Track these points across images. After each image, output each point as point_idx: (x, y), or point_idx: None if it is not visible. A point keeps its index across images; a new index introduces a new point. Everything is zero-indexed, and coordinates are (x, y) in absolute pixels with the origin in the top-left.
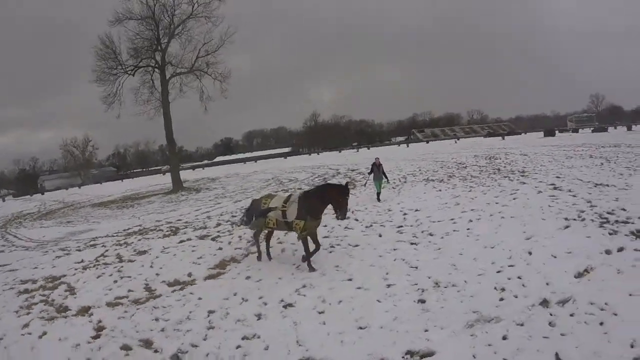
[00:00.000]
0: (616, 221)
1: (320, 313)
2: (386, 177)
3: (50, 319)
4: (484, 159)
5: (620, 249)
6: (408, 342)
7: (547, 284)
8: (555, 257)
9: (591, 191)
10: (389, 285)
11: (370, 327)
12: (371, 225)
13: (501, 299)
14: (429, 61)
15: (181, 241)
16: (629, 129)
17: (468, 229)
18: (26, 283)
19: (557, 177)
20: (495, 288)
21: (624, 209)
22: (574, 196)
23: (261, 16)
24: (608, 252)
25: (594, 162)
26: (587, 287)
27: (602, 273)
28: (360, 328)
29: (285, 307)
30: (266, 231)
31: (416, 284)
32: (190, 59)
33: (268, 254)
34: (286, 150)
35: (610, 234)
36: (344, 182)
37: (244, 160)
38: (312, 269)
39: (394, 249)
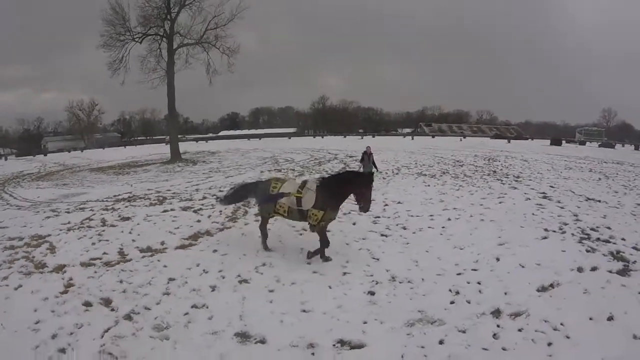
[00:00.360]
0: (598, 239)
1: (270, 292)
2: (375, 167)
3: (27, 274)
4: (483, 159)
5: (594, 269)
6: (344, 331)
7: (505, 293)
8: (522, 266)
9: (580, 205)
10: (344, 274)
11: (313, 312)
12: (349, 213)
13: (452, 302)
14: (442, 58)
15: (164, 210)
16: (637, 148)
17: (443, 227)
18: (13, 240)
19: (551, 186)
20: (450, 290)
21: (609, 227)
22: (562, 208)
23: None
24: (580, 269)
25: (592, 177)
26: (546, 303)
27: (567, 291)
28: (304, 311)
29: (240, 282)
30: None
31: (372, 276)
32: (199, 31)
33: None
34: (291, 130)
35: (587, 251)
36: (338, 168)
37: (247, 137)
38: (327, 259)
39: (363, 239)
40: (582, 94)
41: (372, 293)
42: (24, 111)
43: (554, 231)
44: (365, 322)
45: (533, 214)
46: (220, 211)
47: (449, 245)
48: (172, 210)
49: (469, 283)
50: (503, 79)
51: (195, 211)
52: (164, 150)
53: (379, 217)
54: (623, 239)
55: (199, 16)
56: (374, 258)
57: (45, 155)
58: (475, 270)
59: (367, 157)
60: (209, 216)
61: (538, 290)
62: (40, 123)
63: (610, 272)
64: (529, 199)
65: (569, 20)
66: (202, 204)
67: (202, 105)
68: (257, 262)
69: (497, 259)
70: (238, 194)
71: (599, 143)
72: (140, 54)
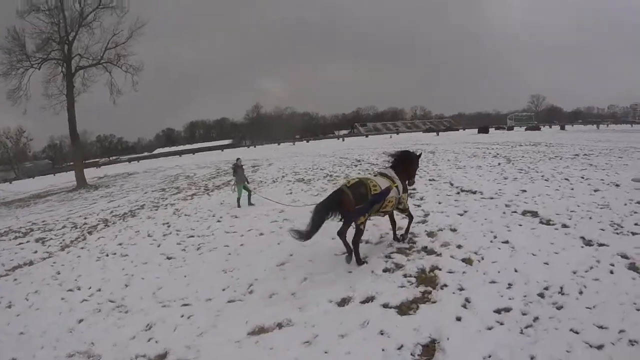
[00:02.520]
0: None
1: None
2: (247, 181)
3: None
4: (388, 155)
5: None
6: None
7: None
8: None
9: (443, 200)
10: None
11: None
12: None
13: None
14: (376, 58)
15: (20, 243)
16: (562, 128)
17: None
18: None
19: (431, 179)
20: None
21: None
22: (419, 205)
23: (205, 8)
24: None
25: (492, 162)
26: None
27: None
28: None
29: None
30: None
31: None
32: (99, 51)
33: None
34: (227, 142)
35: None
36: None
37: (179, 153)
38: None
39: None
40: (513, 83)
41: None
42: None
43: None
44: None
45: None
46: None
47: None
48: (27, 242)
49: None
50: (436, 75)
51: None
52: (93, 174)
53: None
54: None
55: (96, 37)
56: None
57: None
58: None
59: (240, 169)
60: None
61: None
62: None
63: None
64: None
65: (500, 16)
66: (55, 235)
67: (137, 124)
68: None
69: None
70: (321, 218)
71: (525, 127)
72: (40, 80)
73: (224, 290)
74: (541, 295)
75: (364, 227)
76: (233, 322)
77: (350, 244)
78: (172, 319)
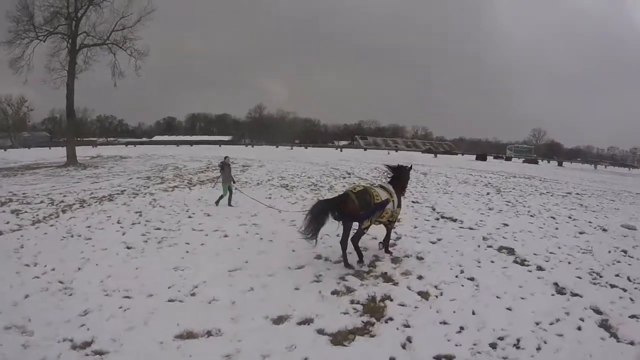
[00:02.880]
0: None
1: None
2: (233, 180)
3: None
4: (379, 172)
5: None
6: None
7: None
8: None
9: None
10: None
11: None
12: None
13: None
14: (381, 74)
15: None
16: (560, 164)
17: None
18: None
19: (414, 201)
20: None
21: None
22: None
23: (218, 3)
24: None
25: (481, 191)
26: None
27: None
28: None
29: None
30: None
31: None
32: (106, 32)
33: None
34: (226, 138)
35: None
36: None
37: (177, 143)
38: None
39: None
40: (516, 115)
41: None
42: None
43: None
44: None
45: None
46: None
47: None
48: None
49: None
50: (441, 97)
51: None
52: (84, 153)
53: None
54: None
55: (103, 17)
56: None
57: None
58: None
59: (227, 167)
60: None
61: None
62: None
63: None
64: None
65: (506, 43)
66: (31, 209)
67: (139, 108)
68: None
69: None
70: (320, 218)
71: (523, 159)
72: (44, 52)
73: (169, 288)
74: (493, 345)
75: (367, 231)
76: (165, 322)
77: (350, 243)
78: (109, 308)
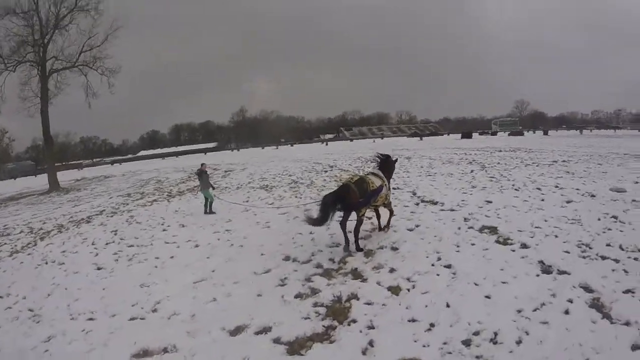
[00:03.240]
0: None
1: None
2: (212, 186)
3: None
4: (365, 161)
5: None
6: None
7: None
8: None
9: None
10: None
11: None
12: None
13: None
14: (362, 63)
15: None
16: (545, 133)
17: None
18: None
19: (395, 187)
20: None
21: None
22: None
23: (193, 9)
24: None
25: (465, 169)
26: None
27: None
28: None
29: None
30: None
31: None
32: (75, 54)
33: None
34: (212, 145)
35: None
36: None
37: (163, 156)
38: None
39: None
40: (499, 89)
41: None
42: None
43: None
44: None
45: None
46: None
47: None
48: None
49: None
50: (422, 80)
51: None
52: (69, 177)
53: None
54: None
55: (70, 39)
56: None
57: None
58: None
59: (204, 174)
60: None
61: None
62: None
63: None
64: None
65: (485, 18)
66: (7, 240)
67: (122, 125)
68: None
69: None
70: (329, 208)
71: (509, 132)
72: (16, 82)
73: (132, 306)
74: (466, 343)
75: (364, 217)
76: (124, 341)
77: (352, 233)
78: (73, 332)
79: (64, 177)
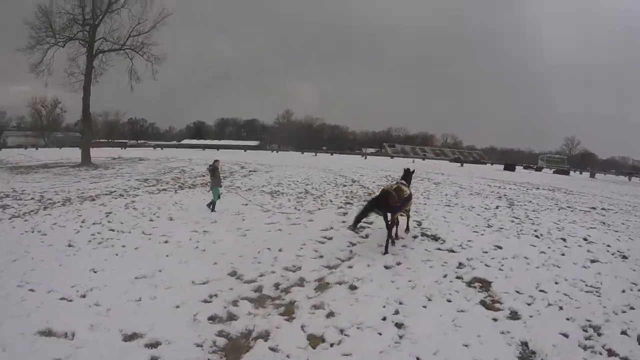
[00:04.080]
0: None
1: None
2: (220, 184)
3: None
4: (387, 179)
5: None
6: None
7: None
8: None
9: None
10: None
11: None
12: None
13: None
14: (412, 83)
15: None
16: (592, 176)
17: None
18: None
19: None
20: None
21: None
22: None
23: (249, 8)
24: None
25: (490, 204)
26: None
27: None
28: None
29: None
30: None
31: None
32: (123, 37)
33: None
34: (254, 143)
35: None
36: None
37: (203, 147)
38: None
39: None
40: (550, 124)
41: None
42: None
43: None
44: None
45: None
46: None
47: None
48: None
49: None
50: (472, 106)
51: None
52: (108, 154)
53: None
54: None
55: (121, 22)
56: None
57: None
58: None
59: (216, 171)
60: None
61: None
62: (3, 117)
63: None
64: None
65: (541, 50)
66: (20, 205)
67: (170, 112)
68: None
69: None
70: (370, 209)
71: (554, 170)
72: (63, 57)
73: (71, 287)
74: None
75: (398, 220)
76: (41, 317)
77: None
78: (12, 297)
79: (103, 153)
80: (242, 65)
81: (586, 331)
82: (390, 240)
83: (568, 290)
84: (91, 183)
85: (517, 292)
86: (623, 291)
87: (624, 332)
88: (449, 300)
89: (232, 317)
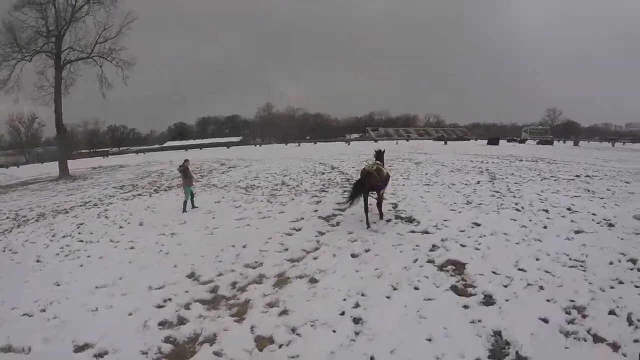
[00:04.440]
0: None
1: None
2: (194, 181)
3: None
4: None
5: None
6: None
7: None
8: None
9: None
10: None
11: None
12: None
13: None
14: (391, 65)
15: None
16: (576, 144)
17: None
18: None
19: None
20: None
21: None
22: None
23: (222, 6)
24: None
25: (470, 180)
26: None
27: None
28: None
29: None
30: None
31: None
32: (90, 45)
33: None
34: (236, 139)
35: None
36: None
37: (185, 148)
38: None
39: None
40: (531, 96)
41: None
42: None
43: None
44: None
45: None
46: None
47: None
48: None
49: None
50: (452, 83)
51: None
52: (88, 164)
53: None
54: None
55: (86, 30)
56: None
57: None
58: None
59: (187, 170)
60: None
61: None
62: None
63: None
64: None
65: (519, 26)
66: None
67: (151, 116)
68: None
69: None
70: (357, 190)
71: (537, 141)
72: (33, 71)
73: (34, 302)
74: None
75: (384, 196)
76: (4, 334)
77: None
78: None
79: (83, 164)
80: (222, 63)
81: (569, 313)
82: (380, 215)
83: (550, 266)
84: (67, 195)
85: (494, 272)
86: (610, 263)
87: (611, 312)
88: (416, 288)
89: (182, 321)
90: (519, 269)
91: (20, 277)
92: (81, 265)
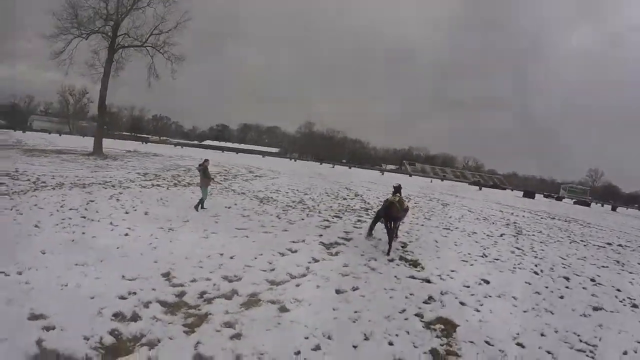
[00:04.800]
0: None
1: None
2: (211, 182)
3: None
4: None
5: None
6: None
7: None
8: None
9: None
10: None
11: None
12: None
13: None
14: (436, 104)
15: None
16: (614, 209)
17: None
18: None
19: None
20: None
21: None
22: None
23: (277, 16)
24: None
25: (493, 232)
26: None
27: None
28: None
29: None
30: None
31: None
32: (145, 34)
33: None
34: (274, 150)
35: None
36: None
37: (222, 149)
38: None
39: None
40: (574, 154)
41: None
42: (24, 86)
43: None
44: None
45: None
46: None
47: None
48: None
49: None
50: (496, 131)
51: None
52: (127, 147)
53: None
54: None
55: (144, 19)
56: None
57: (24, 132)
58: None
59: (206, 170)
60: None
61: None
62: (31, 101)
63: None
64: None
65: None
66: (12, 184)
67: (195, 112)
68: None
69: None
70: (378, 217)
71: (574, 200)
72: (85, 48)
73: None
74: None
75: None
76: None
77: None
78: None
79: (121, 146)
80: (269, 74)
81: None
82: (388, 249)
83: (554, 346)
84: (91, 172)
85: (487, 342)
86: (624, 353)
87: None
88: (390, 344)
89: (135, 318)
90: (518, 344)
91: (12, 237)
92: (72, 240)
